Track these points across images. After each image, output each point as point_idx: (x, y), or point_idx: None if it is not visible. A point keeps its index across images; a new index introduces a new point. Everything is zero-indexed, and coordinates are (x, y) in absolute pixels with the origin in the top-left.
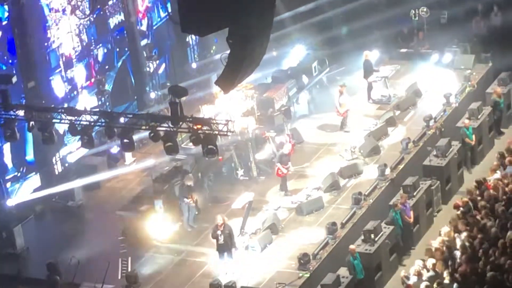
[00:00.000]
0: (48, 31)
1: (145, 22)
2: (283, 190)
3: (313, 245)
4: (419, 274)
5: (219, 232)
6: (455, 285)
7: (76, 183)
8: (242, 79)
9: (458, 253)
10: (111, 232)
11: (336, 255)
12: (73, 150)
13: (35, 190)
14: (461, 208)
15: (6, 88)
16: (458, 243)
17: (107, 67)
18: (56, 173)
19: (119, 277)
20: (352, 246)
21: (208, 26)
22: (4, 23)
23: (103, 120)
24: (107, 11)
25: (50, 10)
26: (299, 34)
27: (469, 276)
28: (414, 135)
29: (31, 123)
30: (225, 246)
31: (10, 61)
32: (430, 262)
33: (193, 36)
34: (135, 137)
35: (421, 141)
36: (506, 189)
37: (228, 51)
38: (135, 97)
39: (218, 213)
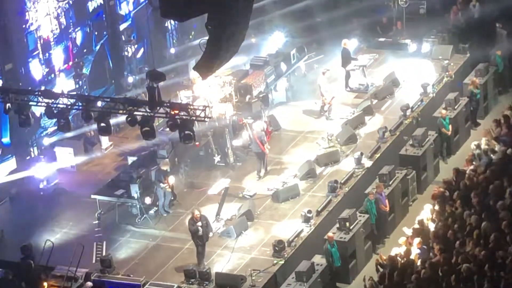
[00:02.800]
0: (27, 13)
1: (124, 6)
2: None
3: (288, 233)
4: (393, 262)
5: (199, 224)
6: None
7: (52, 166)
8: (221, 65)
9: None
10: (86, 216)
11: (311, 242)
12: (49, 133)
13: (11, 173)
14: (438, 198)
15: None
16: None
17: (85, 50)
18: (32, 156)
19: (94, 261)
20: (330, 234)
21: (187, 11)
22: None
23: (80, 104)
24: None
25: None
26: (278, 21)
27: (442, 266)
28: (391, 124)
29: (8, 105)
30: (204, 237)
31: None
32: (405, 250)
33: (172, 21)
34: (112, 121)
35: (397, 130)
36: (481, 179)
37: (207, 37)
38: (113, 81)
39: (194, 199)
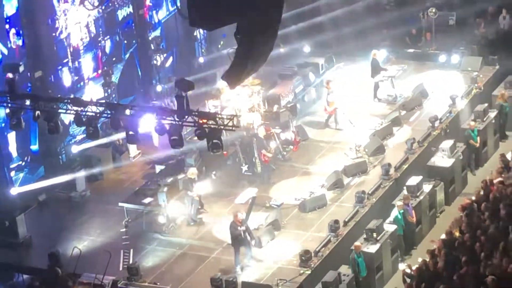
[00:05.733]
0: (57, 22)
1: (154, 15)
2: (269, 179)
3: (315, 242)
4: (421, 273)
5: (242, 228)
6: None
7: (80, 174)
8: (249, 74)
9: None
10: (114, 223)
11: (337, 253)
12: (78, 140)
13: (39, 180)
14: (466, 210)
15: (13, 77)
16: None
17: (114, 59)
18: (61, 163)
19: (121, 269)
20: (357, 243)
21: (216, 20)
22: (13, 12)
23: (108, 112)
24: (115, 3)
25: (58, 0)
26: (307, 31)
27: (469, 278)
28: (419, 136)
29: (37, 112)
30: (245, 241)
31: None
32: (432, 261)
33: (201, 31)
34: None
35: (426, 141)
36: (509, 191)
37: (236, 46)
38: (142, 89)
39: (221, 208)
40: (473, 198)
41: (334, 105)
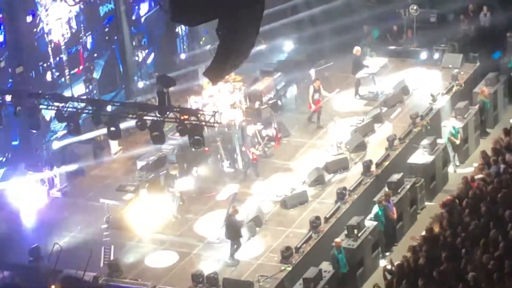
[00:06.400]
0: (38, 17)
1: (136, 11)
2: (258, 176)
3: (296, 239)
4: (402, 269)
5: (242, 220)
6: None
7: (61, 170)
8: (231, 71)
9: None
10: (95, 220)
11: (319, 249)
12: (59, 137)
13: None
14: (447, 207)
15: None
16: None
17: (95, 55)
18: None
19: (101, 265)
20: (337, 240)
21: (198, 16)
22: None
23: (90, 108)
24: None
25: None
26: (289, 27)
27: (449, 274)
28: (400, 132)
29: (18, 108)
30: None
31: None
32: (413, 258)
33: (183, 27)
34: (122, 125)
35: (407, 138)
36: (490, 188)
37: (218, 43)
38: (123, 85)
39: (203, 204)
40: (454, 194)
41: (319, 104)
